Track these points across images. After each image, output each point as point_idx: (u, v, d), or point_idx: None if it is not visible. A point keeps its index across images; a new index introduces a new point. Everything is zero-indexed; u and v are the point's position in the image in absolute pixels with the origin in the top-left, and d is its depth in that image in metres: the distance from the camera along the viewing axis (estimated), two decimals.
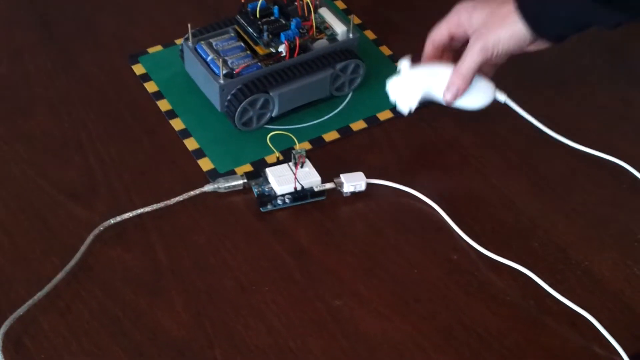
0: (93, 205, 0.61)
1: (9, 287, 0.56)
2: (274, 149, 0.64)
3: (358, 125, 0.68)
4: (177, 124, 0.67)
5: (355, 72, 0.70)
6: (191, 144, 0.66)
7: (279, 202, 0.62)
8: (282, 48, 0.67)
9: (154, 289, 0.56)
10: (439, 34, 0.64)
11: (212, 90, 0.66)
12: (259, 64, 0.66)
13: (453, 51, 0.65)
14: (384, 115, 0.69)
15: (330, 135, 0.67)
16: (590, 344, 0.54)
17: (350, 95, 0.71)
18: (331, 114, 0.69)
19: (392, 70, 0.73)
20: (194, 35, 0.67)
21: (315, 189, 0.62)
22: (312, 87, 0.68)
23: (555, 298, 0.57)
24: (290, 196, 0.62)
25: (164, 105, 0.69)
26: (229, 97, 0.65)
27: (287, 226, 0.61)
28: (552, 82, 0.73)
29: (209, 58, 0.66)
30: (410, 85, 0.64)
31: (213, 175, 0.63)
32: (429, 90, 0.64)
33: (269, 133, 0.65)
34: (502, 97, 0.65)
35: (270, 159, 0.65)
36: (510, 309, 0.56)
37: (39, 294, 0.54)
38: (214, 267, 0.58)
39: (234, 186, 0.62)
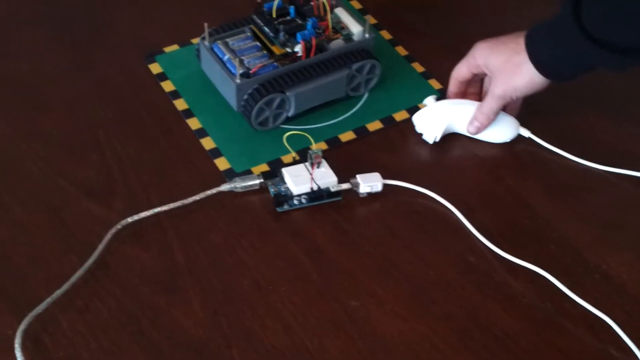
0: (110, 203, 0.61)
1: (27, 285, 0.56)
2: (290, 149, 0.65)
3: (374, 125, 0.68)
4: (193, 124, 0.68)
5: (371, 73, 0.70)
6: (208, 143, 0.66)
7: (295, 202, 0.62)
8: (298, 48, 0.67)
9: (172, 288, 0.56)
10: (460, 72, 0.68)
11: (228, 90, 0.67)
12: (275, 63, 0.66)
13: (476, 83, 0.69)
14: (400, 115, 0.69)
15: (346, 136, 0.68)
16: (607, 347, 0.54)
17: (366, 96, 0.71)
18: (347, 114, 0.69)
19: (408, 71, 0.73)
20: (210, 35, 0.68)
21: (332, 190, 0.62)
22: (328, 87, 0.68)
23: (572, 300, 0.56)
24: (306, 196, 0.62)
25: (180, 104, 0.69)
26: (245, 97, 0.65)
27: (303, 226, 0.61)
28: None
29: (226, 57, 0.66)
30: (435, 118, 0.66)
31: (229, 175, 0.64)
32: (452, 123, 0.67)
33: (285, 133, 0.65)
34: (526, 133, 0.67)
35: (286, 158, 0.65)
36: (527, 311, 0.56)
37: (57, 292, 0.55)
38: (230, 266, 0.58)
39: (251, 186, 0.62)
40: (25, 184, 0.63)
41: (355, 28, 0.69)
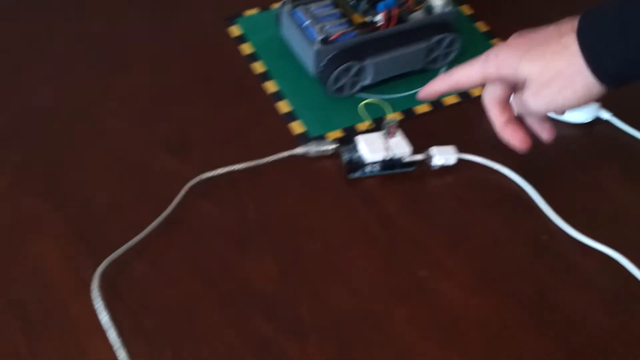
0: (186, 159, 0.62)
1: (105, 232, 0.58)
2: (366, 117, 0.65)
3: (450, 99, 0.68)
4: (270, 87, 0.68)
5: (450, 46, 0.69)
6: (283, 106, 0.67)
7: (368, 169, 0.62)
8: (378, 18, 0.66)
9: (244, 244, 0.57)
10: (495, 93, 0.54)
11: (307, 55, 0.67)
12: (355, 32, 0.66)
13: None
14: (477, 91, 0.68)
15: (422, 108, 0.67)
16: None
17: (443, 69, 0.70)
18: (423, 87, 0.68)
19: (487, 47, 0.72)
20: (292, 0, 0.68)
21: (405, 160, 0.62)
22: (406, 58, 0.67)
23: None
24: (379, 165, 0.62)
25: (258, 67, 0.70)
26: (323, 63, 0.66)
27: (374, 194, 0.61)
28: None
29: (306, 23, 0.67)
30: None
31: (303, 139, 0.64)
32: None
33: (360, 101, 0.65)
34: (606, 115, 0.65)
35: (361, 127, 0.65)
36: (599, 294, 0.55)
37: (134, 240, 0.56)
38: (301, 227, 0.59)
39: (325, 151, 0.63)
40: (104, 138, 0.64)
41: (436, 1, 0.69)
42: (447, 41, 0.68)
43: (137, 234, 0.56)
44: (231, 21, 0.73)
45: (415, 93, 0.68)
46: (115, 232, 0.57)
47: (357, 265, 0.57)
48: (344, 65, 0.65)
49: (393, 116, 0.65)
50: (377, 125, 0.64)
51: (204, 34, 0.73)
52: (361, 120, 0.65)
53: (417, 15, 0.68)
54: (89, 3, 0.76)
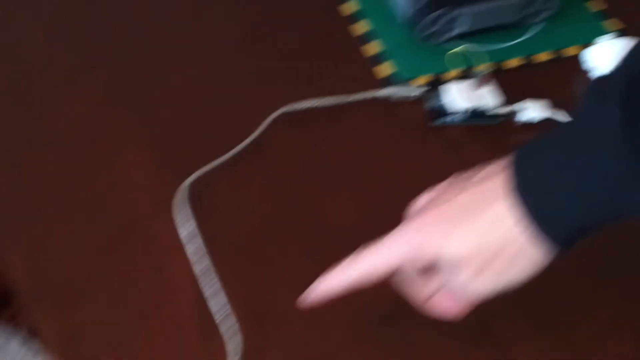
0: (271, 91, 0.63)
1: (190, 152, 0.59)
2: (456, 65, 0.63)
3: (542, 56, 0.66)
4: (360, 27, 0.68)
5: (548, 2, 0.67)
6: (372, 47, 0.66)
7: (452, 117, 0.61)
8: None
9: (322, 177, 0.58)
10: (391, 262, 0.42)
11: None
12: None
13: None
14: (571, 51, 0.67)
15: (512, 62, 0.66)
16: None
17: (537, 27, 0.68)
18: (515, 41, 0.67)
19: (585, 9, 0.70)
20: None
21: (491, 112, 0.61)
22: (502, 9, 0.66)
23: None
24: (464, 114, 0.61)
25: (349, 7, 0.69)
26: (418, 7, 0.65)
27: (457, 142, 0.61)
28: None
29: None
30: (610, 54, 0.63)
31: (390, 82, 0.64)
32: None
33: (450, 50, 0.64)
34: None
35: (448, 76, 0.64)
36: None
37: (217, 160, 0.57)
38: (381, 169, 0.59)
39: (410, 95, 0.62)
40: (193, 67, 0.65)
41: None
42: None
43: (221, 155, 0.57)
44: None
45: (507, 47, 0.67)
46: (199, 153, 0.58)
47: None
48: (437, 12, 0.64)
49: (485, 66, 0.64)
50: (466, 75, 0.64)
51: None
52: (450, 68, 0.64)
53: None
54: None
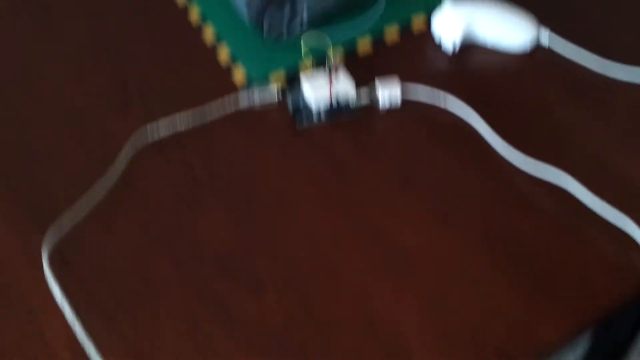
0: (128, 114, 0.61)
1: (48, 201, 0.56)
2: (307, 55, 0.63)
3: (392, 35, 0.67)
4: (208, 33, 0.66)
5: None
6: (223, 53, 0.65)
7: (315, 118, 0.61)
8: None
9: (194, 202, 0.57)
10: None
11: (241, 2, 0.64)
12: None
13: None
14: (420, 23, 0.67)
15: (363, 44, 0.66)
16: (629, 252, 0.55)
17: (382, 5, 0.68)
18: (365, 20, 0.67)
19: None
20: None
21: (351, 101, 0.61)
22: None
23: (592, 209, 0.56)
24: (325, 112, 0.61)
25: (194, 14, 0.67)
26: (255, 8, 0.62)
27: (323, 140, 0.61)
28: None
29: None
30: (453, 20, 0.64)
31: (247, 87, 0.63)
32: (472, 26, 0.65)
33: (299, 44, 0.63)
34: (545, 39, 0.65)
35: (304, 66, 0.64)
36: (547, 220, 0.56)
37: (80, 202, 0.55)
38: (252, 181, 0.58)
39: (269, 101, 0.62)
40: (44, 93, 0.62)
41: None
42: None
43: (84, 200, 0.55)
44: None
45: (358, 30, 0.66)
46: (61, 201, 0.56)
47: (310, 215, 0.57)
48: (274, 8, 0.62)
49: (334, 50, 0.63)
50: (320, 69, 0.63)
51: None
52: (302, 63, 0.64)
53: None
54: None
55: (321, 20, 0.66)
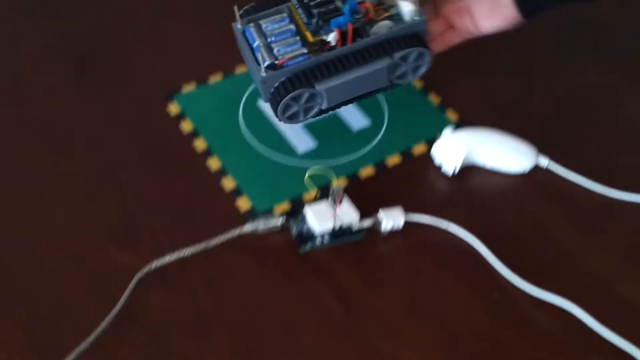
0: (134, 249, 0.61)
1: (54, 336, 0.56)
2: (311, 186, 0.64)
3: (393, 159, 0.68)
4: (213, 163, 0.68)
5: (419, 60, 0.63)
6: (228, 183, 0.66)
7: (318, 241, 0.62)
8: (332, 37, 0.61)
9: (199, 334, 0.56)
10: None
11: (257, 81, 0.62)
12: (307, 54, 0.61)
13: None
14: (419, 148, 0.69)
15: (366, 171, 0.67)
16: None
17: (382, 131, 0.70)
18: (366, 149, 0.69)
19: (425, 103, 0.73)
20: (245, 15, 0.63)
21: (354, 227, 0.62)
22: (365, 79, 0.62)
23: (599, 333, 0.56)
24: (329, 235, 0.62)
25: (200, 144, 0.69)
26: (272, 91, 0.61)
27: (327, 265, 0.61)
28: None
29: (256, 44, 0.62)
30: (454, 148, 0.66)
31: (251, 215, 0.64)
32: (472, 153, 0.66)
33: (305, 170, 0.64)
34: (544, 162, 0.66)
35: (307, 196, 0.65)
36: (555, 347, 0.56)
37: (86, 342, 0.55)
38: (256, 308, 0.58)
39: (273, 226, 0.62)
40: (48, 228, 0.63)
41: (405, 7, 0.62)
42: (413, 56, 0.62)
43: (90, 334, 0.55)
44: (170, 99, 0.73)
45: (360, 157, 0.68)
46: (67, 335, 0.56)
47: (316, 341, 0.56)
48: (292, 94, 0.60)
49: (338, 182, 0.65)
50: (324, 192, 0.64)
51: (145, 114, 0.72)
52: (307, 189, 0.65)
53: (384, 25, 0.62)
54: (27, 85, 0.75)
55: (325, 146, 0.66)
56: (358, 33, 0.61)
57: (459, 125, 0.70)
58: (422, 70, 0.64)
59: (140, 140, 0.70)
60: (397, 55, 0.62)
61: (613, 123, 0.71)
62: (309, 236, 0.62)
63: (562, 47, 0.78)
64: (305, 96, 0.61)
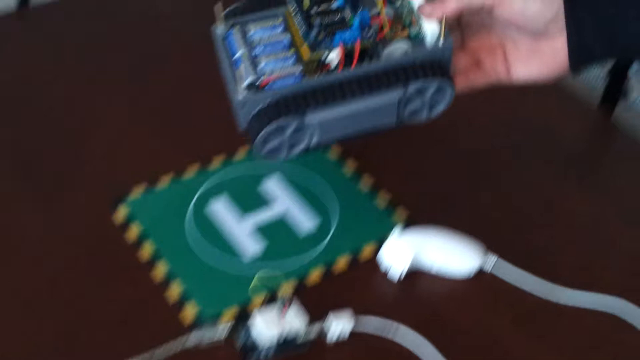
0: None
1: None
2: (260, 291, 0.63)
3: (341, 263, 0.68)
4: (159, 272, 0.67)
5: (437, 94, 0.50)
6: (175, 288, 0.65)
7: (263, 354, 0.61)
8: (333, 56, 0.48)
9: None
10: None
11: (233, 102, 0.49)
12: (301, 72, 0.48)
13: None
14: (368, 250, 0.68)
15: (314, 276, 0.66)
16: None
17: (331, 233, 0.69)
18: (316, 251, 0.68)
19: (373, 203, 0.72)
20: (230, 16, 0.49)
21: (301, 335, 0.61)
22: (370, 113, 0.50)
23: None
24: (273, 348, 0.61)
25: (145, 252, 0.68)
26: (250, 118, 0.48)
27: None
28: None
29: (238, 55, 0.49)
30: (401, 251, 0.65)
31: (198, 324, 0.62)
32: (419, 254, 0.65)
33: (254, 274, 0.64)
34: (489, 266, 0.65)
35: (256, 301, 0.64)
36: None
37: None
38: None
39: (218, 337, 0.61)
40: None
41: (429, 27, 0.49)
42: (431, 89, 0.50)
43: None
44: (118, 203, 0.72)
45: (310, 262, 0.67)
46: None
47: None
48: (275, 124, 0.48)
49: (286, 289, 0.64)
50: (270, 301, 0.63)
51: (90, 223, 0.70)
52: (253, 297, 0.64)
53: (399, 46, 0.50)
54: None
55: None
56: (367, 53, 0.49)
57: (409, 224, 0.70)
58: (440, 108, 0.52)
59: (83, 250, 0.68)
60: (413, 86, 0.49)
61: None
62: (254, 347, 0.61)
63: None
64: (292, 127, 0.49)
